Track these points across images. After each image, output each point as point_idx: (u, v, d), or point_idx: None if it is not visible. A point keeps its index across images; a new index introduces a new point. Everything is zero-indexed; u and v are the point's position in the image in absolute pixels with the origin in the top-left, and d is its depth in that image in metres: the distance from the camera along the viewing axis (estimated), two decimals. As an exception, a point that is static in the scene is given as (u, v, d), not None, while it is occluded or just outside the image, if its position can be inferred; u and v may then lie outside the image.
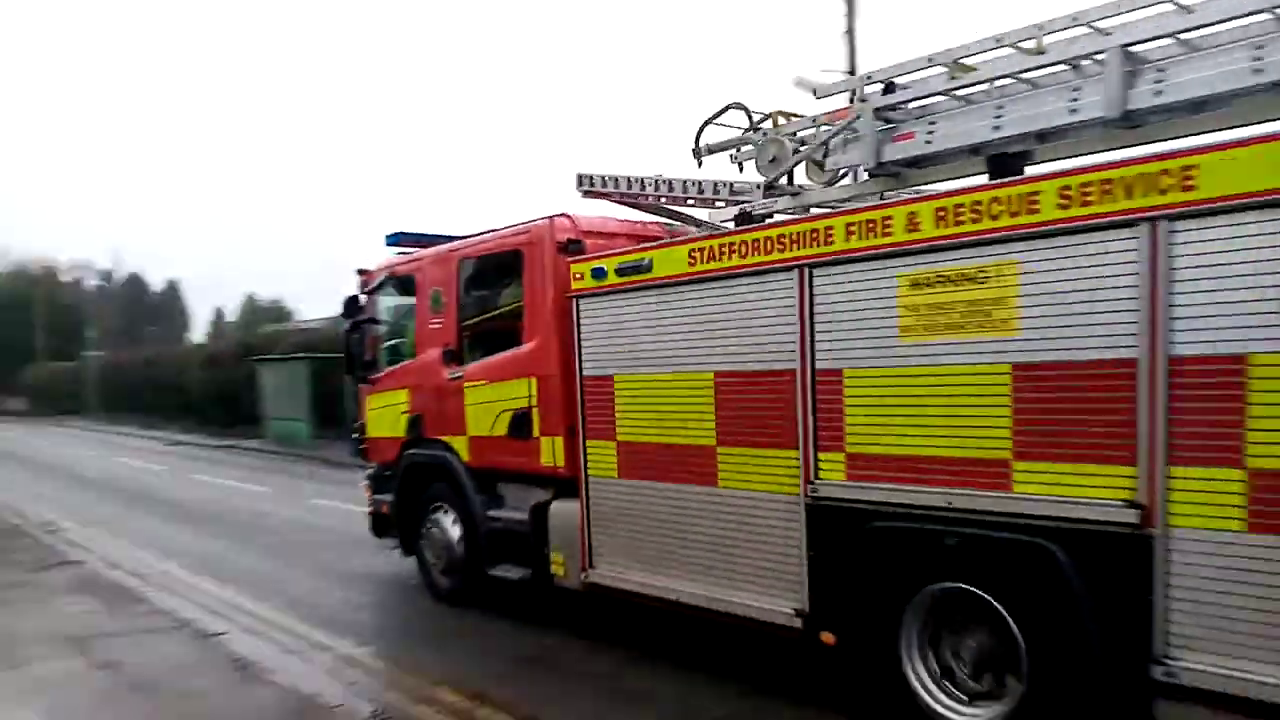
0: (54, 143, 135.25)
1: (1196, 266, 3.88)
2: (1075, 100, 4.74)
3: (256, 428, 28.80)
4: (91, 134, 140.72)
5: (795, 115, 6.26)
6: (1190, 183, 3.86)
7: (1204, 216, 3.85)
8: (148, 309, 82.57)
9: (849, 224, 5.08)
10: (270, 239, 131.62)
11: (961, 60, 5.19)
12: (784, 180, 6.15)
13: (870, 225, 4.96)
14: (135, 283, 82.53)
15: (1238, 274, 3.78)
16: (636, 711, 5.88)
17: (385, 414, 9.18)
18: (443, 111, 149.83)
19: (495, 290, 8.02)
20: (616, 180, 6.62)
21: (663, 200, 6.93)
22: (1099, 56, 4.62)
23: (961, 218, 4.58)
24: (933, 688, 4.98)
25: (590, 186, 6.54)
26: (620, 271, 6.39)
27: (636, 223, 7.61)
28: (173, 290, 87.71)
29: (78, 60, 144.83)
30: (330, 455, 23.05)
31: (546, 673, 6.68)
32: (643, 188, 6.67)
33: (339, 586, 9.56)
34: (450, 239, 8.70)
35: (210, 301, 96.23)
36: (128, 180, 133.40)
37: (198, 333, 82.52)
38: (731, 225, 6.23)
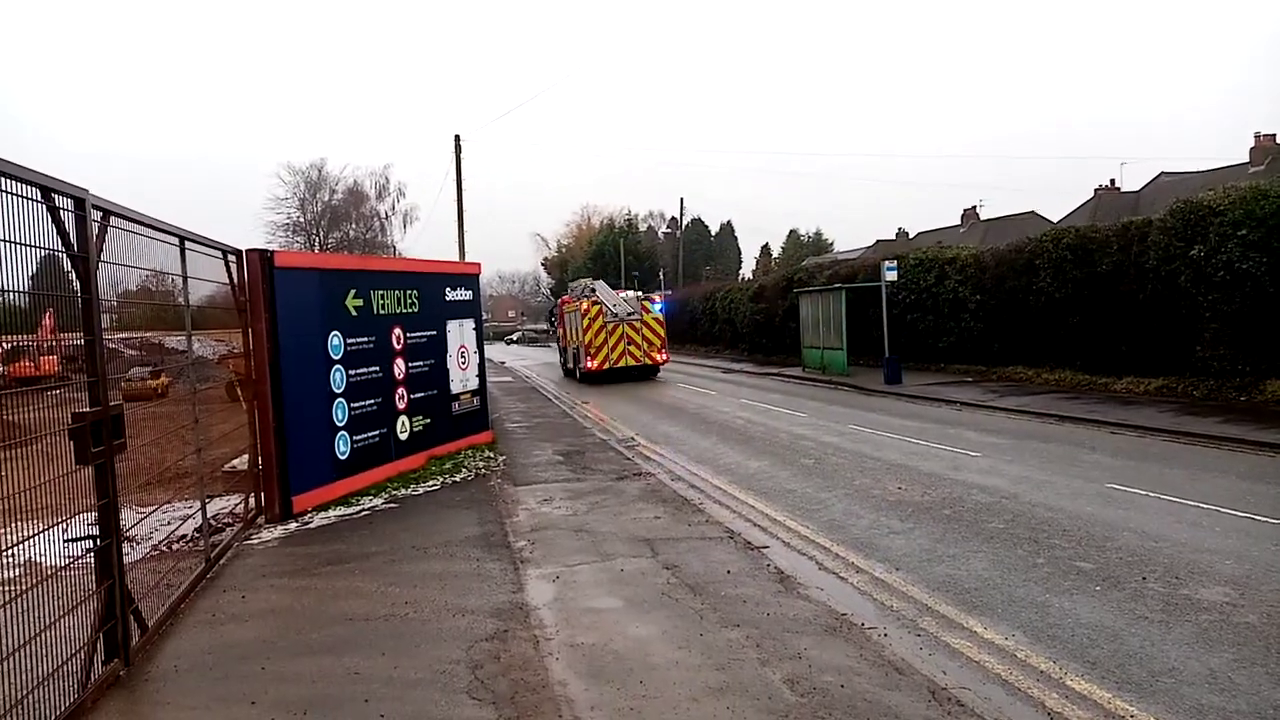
0: (635, 110, 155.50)
1: None
2: None
3: (797, 356, 30.35)
4: (667, 101, 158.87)
5: None
6: None
7: None
8: (707, 249, 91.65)
9: None
10: (806, 175, 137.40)
11: None
12: None
13: None
14: (697, 226, 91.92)
15: None
16: None
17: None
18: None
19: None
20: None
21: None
22: None
23: None
24: None
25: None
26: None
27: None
28: (728, 231, 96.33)
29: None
30: (864, 383, 23.46)
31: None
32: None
33: (870, 510, 9.67)
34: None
35: (760, 238, 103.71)
36: (688, 133, 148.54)
37: (748, 268, 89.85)
38: None
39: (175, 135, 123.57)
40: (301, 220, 63.66)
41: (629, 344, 29.71)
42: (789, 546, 8.54)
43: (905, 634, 6.17)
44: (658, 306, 30.95)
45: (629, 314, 29.91)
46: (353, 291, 11.52)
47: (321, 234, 63.32)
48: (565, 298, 36.54)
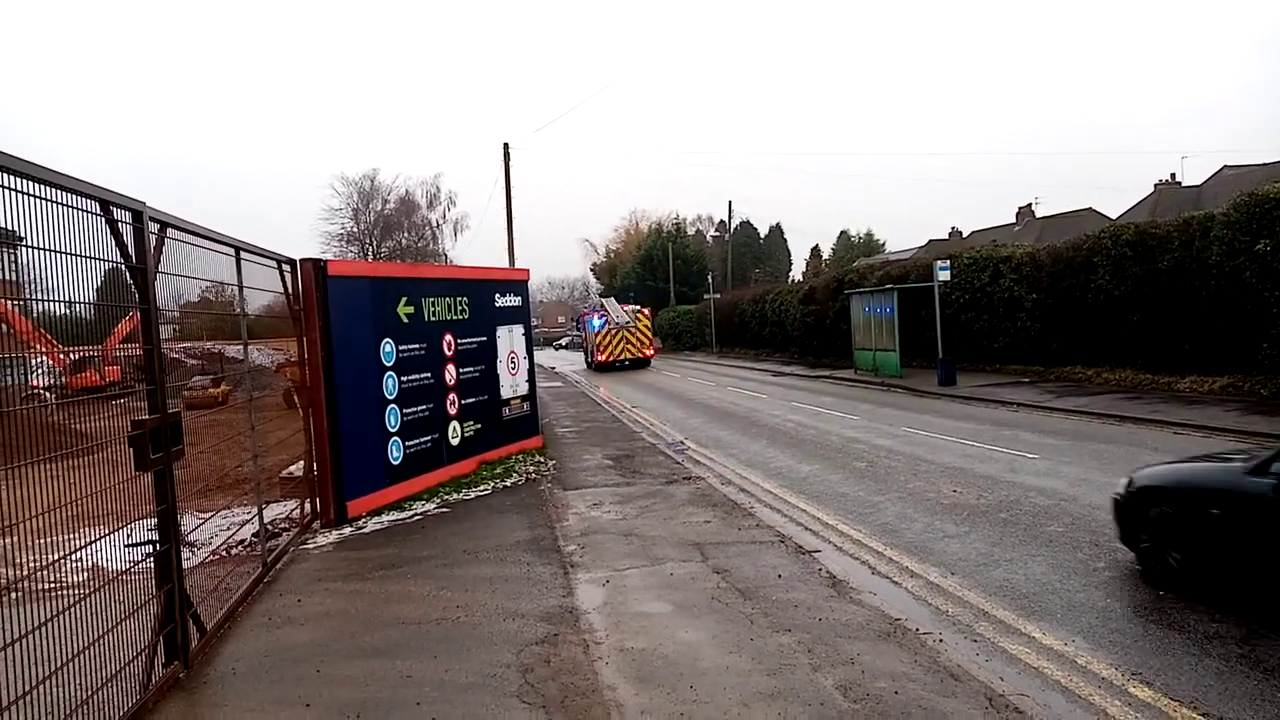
0: (680, 116, 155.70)
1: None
2: None
3: (848, 359, 30.07)
4: (716, 108, 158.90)
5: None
6: None
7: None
8: (756, 252, 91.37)
9: None
10: (855, 175, 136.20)
11: None
12: None
13: None
14: (746, 229, 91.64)
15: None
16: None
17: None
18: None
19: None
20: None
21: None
22: None
23: None
24: None
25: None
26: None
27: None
28: (777, 233, 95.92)
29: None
30: (917, 384, 23.14)
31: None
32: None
33: (924, 514, 9.51)
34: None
35: (810, 240, 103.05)
36: (736, 136, 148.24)
37: (797, 270, 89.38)
38: None
39: (233, 148, 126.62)
40: (355, 230, 64.82)
41: (626, 343, 42.46)
42: (841, 550, 8.44)
43: (961, 639, 6.05)
44: (646, 316, 44.38)
45: (627, 322, 42.73)
46: (404, 299, 11.67)
47: (375, 243, 64.37)
48: (585, 310, 56.61)
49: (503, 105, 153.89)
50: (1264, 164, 39.02)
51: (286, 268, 10.05)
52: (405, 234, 66.61)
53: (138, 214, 5.72)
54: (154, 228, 6.06)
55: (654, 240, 75.35)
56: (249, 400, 8.49)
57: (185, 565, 8.55)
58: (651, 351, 43.83)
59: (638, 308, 44.79)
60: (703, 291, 59.79)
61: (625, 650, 5.88)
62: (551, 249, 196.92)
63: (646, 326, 43.43)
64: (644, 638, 6.11)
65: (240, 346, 9.27)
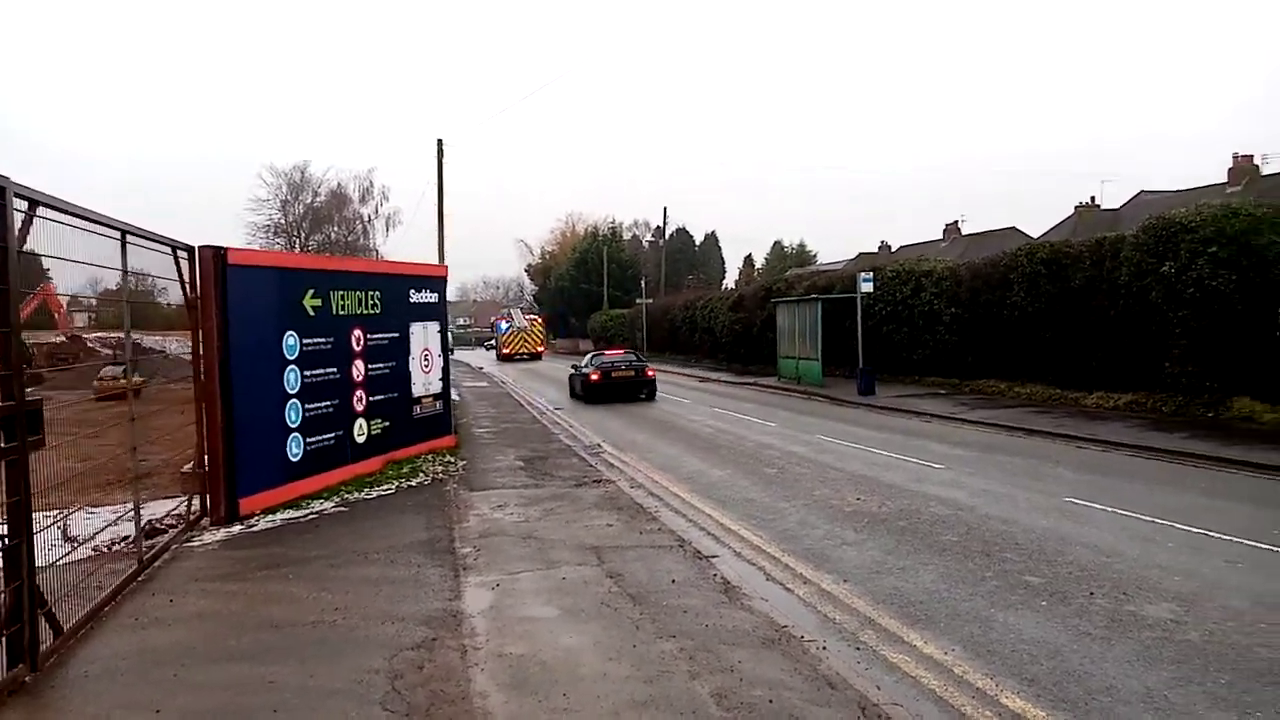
0: (629, 123, 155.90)
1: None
2: None
3: (774, 366, 30.29)
4: (661, 111, 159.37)
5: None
6: None
7: None
8: (691, 259, 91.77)
9: None
10: (791, 186, 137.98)
11: None
12: None
13: None
14: (682, 235, 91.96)
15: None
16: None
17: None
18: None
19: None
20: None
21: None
22: None
23: None
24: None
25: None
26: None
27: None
28: (712, 241, 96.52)
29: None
30: (837, 393, 23.40)
31: (1039, 640, 5.88)
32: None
33: (826, 521, 9.55)
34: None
35: (745, 249, 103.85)
36: (675, 142, 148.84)
37: (731, 278, 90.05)
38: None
39: (155, 136, 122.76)
40: (283, 222, 63.20)
41: (523, 343, 58.91)
42: (739, 556, 8.40)
43: (845, 647, 6.03)
44: (540, 322, 63.55)
45: (525, 327, 60.30)
46: (311, 291, 11.31)
47: (303, 236, 62.87)
48: (496, 316, 75.03)
49: (440, 102, 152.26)
50: (1179, 190, 40.39)
51: (183, 254, 9.66)
52: (335, 228, 65.12)
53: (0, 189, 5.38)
54: (21, 205, 5.73)
55: (589, 243, 75.13)
56: (131, 390, 8.07)
57: (64, 560, 8.23)
58: (542, 349, 59.87)
59: (535, 317, 63.54)
60: (636, 296, 59.75)
61: (503, 656, 5.71)
62: (488, 249, 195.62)
63: (540, 331, 61.35)
64: (525, 643, 5.95)
65: (159, 337, 8.94)
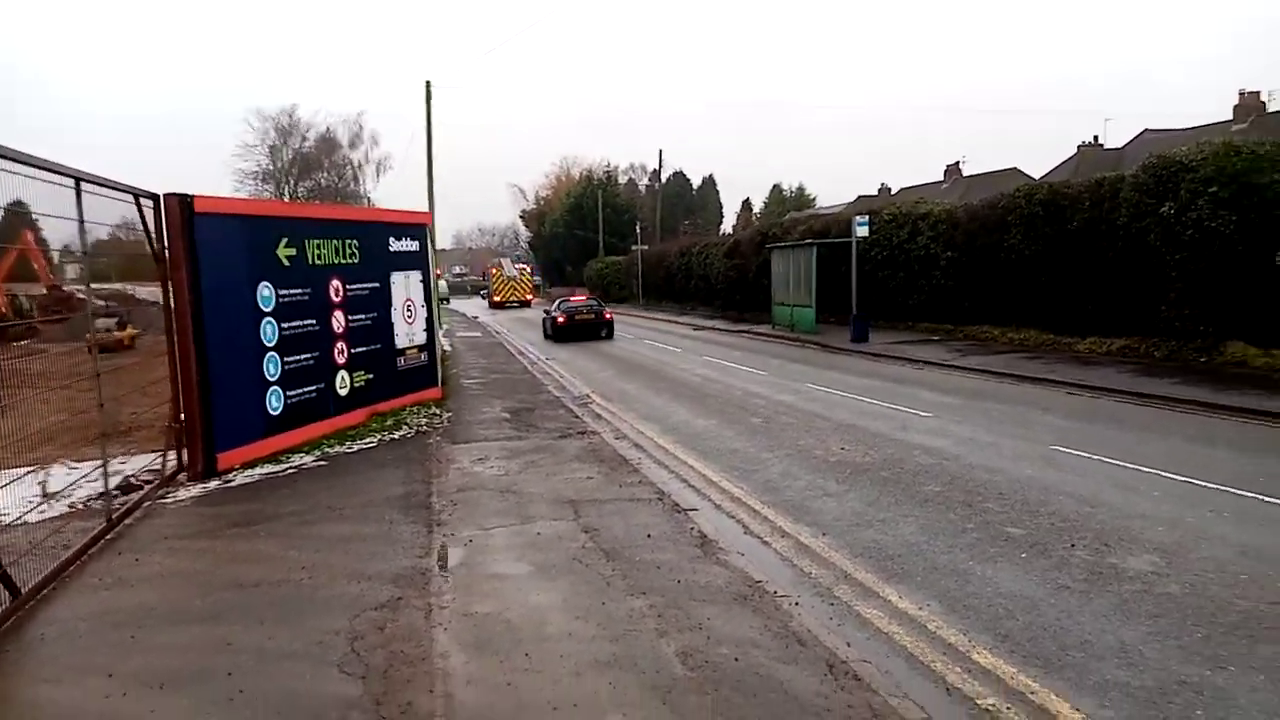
0: (625, 67, 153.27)
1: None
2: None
3: (769, 314, 30.06)
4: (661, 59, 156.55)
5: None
6: None
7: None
8: (689, 203, 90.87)
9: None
10: (791, 128, 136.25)
11: None
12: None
13: None
14: (679, 180, 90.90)
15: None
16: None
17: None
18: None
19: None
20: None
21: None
22: None
23: None
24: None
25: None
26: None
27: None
28: (709, 185, 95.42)
29: None
30: (830, 340, 23.22)
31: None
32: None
33: (809, 472, 9.43)
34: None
35: (743, 193, 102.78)
36: (672, 83, 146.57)
37: (729, 224, 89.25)
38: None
39: (138, 79, 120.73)
40: (272, 168, 62.47)
41: (513, 291, 60.68)
42: (719, 509, 8.29)
43: (818, 602, 5.93)
44: (529, 271, 65.31)
45: (515, 276, 61.82)
46: (284, 240, 11.05)
47: (292, 182, 62.24)
48: (487, 265, 76.39)
49: (429, 42, 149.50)
50: (1185, 128, 39.71)
51: (148, 203, 9.39)
52: (325, 174, 64.51)
53: (-77, 136, 5.13)
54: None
55: (584, 188, 74.21)
56: (93, 344, 7.87)
57: (36, 518, 8.13)
58: (531, 297, 60.85)
59: (525, 266, 66.02)
60: (632, 243, 59.23)
61: (469, 615, 5.60)
62: (483, 194, 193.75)
63: (528, 280, 63.03)
64: (492, 601, 5.84)
65: (153, 289, 8.77)
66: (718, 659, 4.88)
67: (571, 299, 33.09)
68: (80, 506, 8.76)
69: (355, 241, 12.50)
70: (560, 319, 29.49)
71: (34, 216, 7.86)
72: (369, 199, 62.32)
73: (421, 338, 14.49)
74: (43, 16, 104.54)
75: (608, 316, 30.12)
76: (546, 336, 30.39)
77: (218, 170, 70.46)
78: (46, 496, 9.12)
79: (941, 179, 57.15)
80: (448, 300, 69.67)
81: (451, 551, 6.92)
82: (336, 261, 12.08)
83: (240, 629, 5.40)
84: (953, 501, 8.02)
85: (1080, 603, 5.63)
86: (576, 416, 13.36)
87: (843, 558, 6.77)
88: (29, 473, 8.71)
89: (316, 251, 11.66)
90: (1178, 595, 5.65)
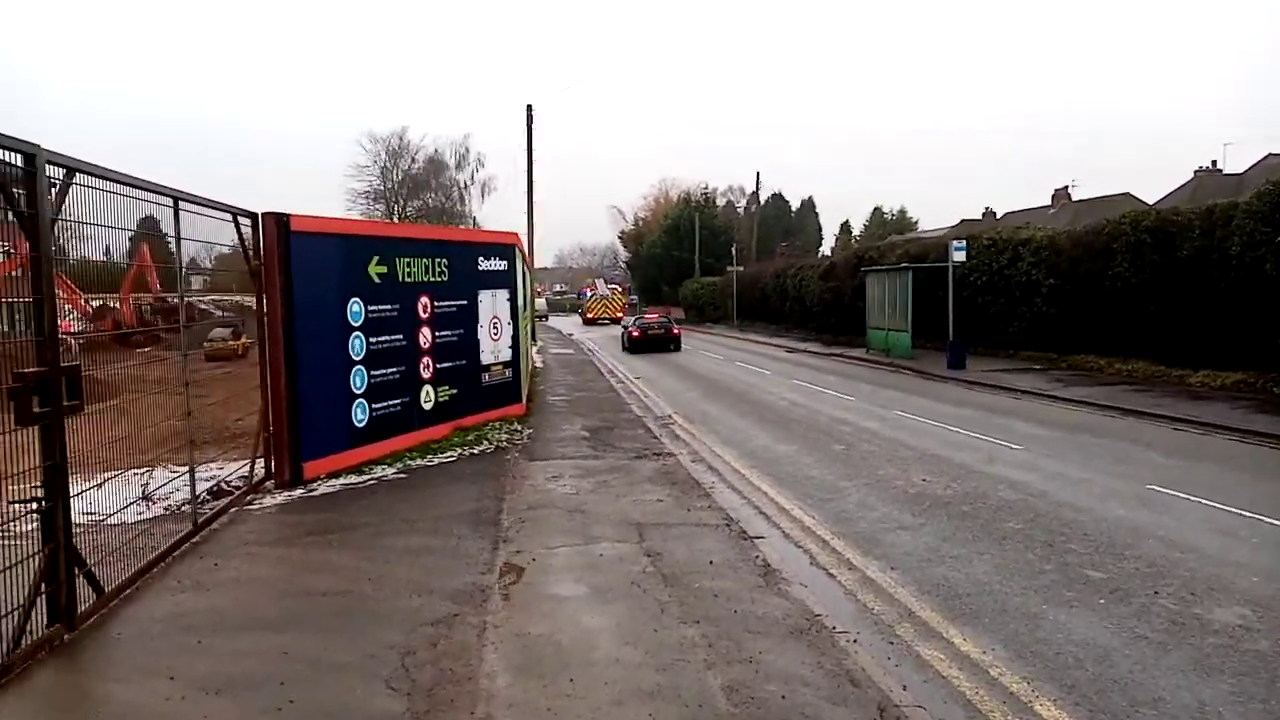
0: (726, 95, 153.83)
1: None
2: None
3: (864, 337, 29.52)
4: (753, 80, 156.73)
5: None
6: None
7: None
8: (788, 225, 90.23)
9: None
10: (896, 151, 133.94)
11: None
12: None
13: None
14: (778, 201, 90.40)
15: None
16: None
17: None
18: None
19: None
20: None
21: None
22: None
23: None
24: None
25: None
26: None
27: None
28: (809, 207, 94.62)
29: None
30: (926, 366, 22.64)
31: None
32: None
33: (885, 503, 9.18)
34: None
35: (844, 216, 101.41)
36: (773, 106, 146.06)
37: (828, 246, 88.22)
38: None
39: (261, 104, 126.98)
40: (383, 188, 64.62)
41: (604, 309, 65.85)
42: (787, 538, 8.14)
43: (878, 640, 5.75)
44: (621, 290, 72.05)
45: (607, 295, 68.53)
46: (376, 258, 11.39)
47: (401, 202, 64.21)
48: (584, 285, 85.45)
49: (533, 65, 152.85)
50: (1312, 153, 37.53)
51: (245, 221, 9.83)
52: (433, 194, 66.29)
53: (30, 157, 5.48)
54: (58, 173, 5.85)
55: (681, 210, 74.35)
56: (183, 356, 8.23)
57: (140, 518, 8.56)
58: (620, 315, 59.36)
59: (617, 287, 73.89)
60: (727, 263, 59.01)
61: (521, 635, 5.62)
62: (585, 215, 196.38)
63: (620, 299, 68.36)
64: (546, 622, 5.85)
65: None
66: (764, 695, 4.76)
67: (646, 316, 38.62)
68: (176, 510, 9.16)
69: (445, 260, 12.80)
70: (635, 333, 33.90)
71: (152, 233, 8.31)
72: (474, 219, 63.85)
73: (507, 354, 14.72)
74: (199, 61, 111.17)
75: (675, 332, 34.17)
76: (624, 348, 34.28)
77: (334, 191, 73.42)
78: (145, 498, 9.60)
79: (1049, 204, 55.25)
80: (546, 317, 71.58)
81: (513, 570, 6.96)
82: (426, 279, 12.39)
83: (301, 638, 5.55)
84: (1033, 540, 7.68)
85: (1157, 655, 5.30)
86: (655, 437, 13.34)
87: (909, 594, 6.55)
88: (135, 474, 9.23)
89: (407, 269, 11.98)
90: (1267, 653, 5.27)
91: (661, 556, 7.28)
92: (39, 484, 5.58)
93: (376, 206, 63.33)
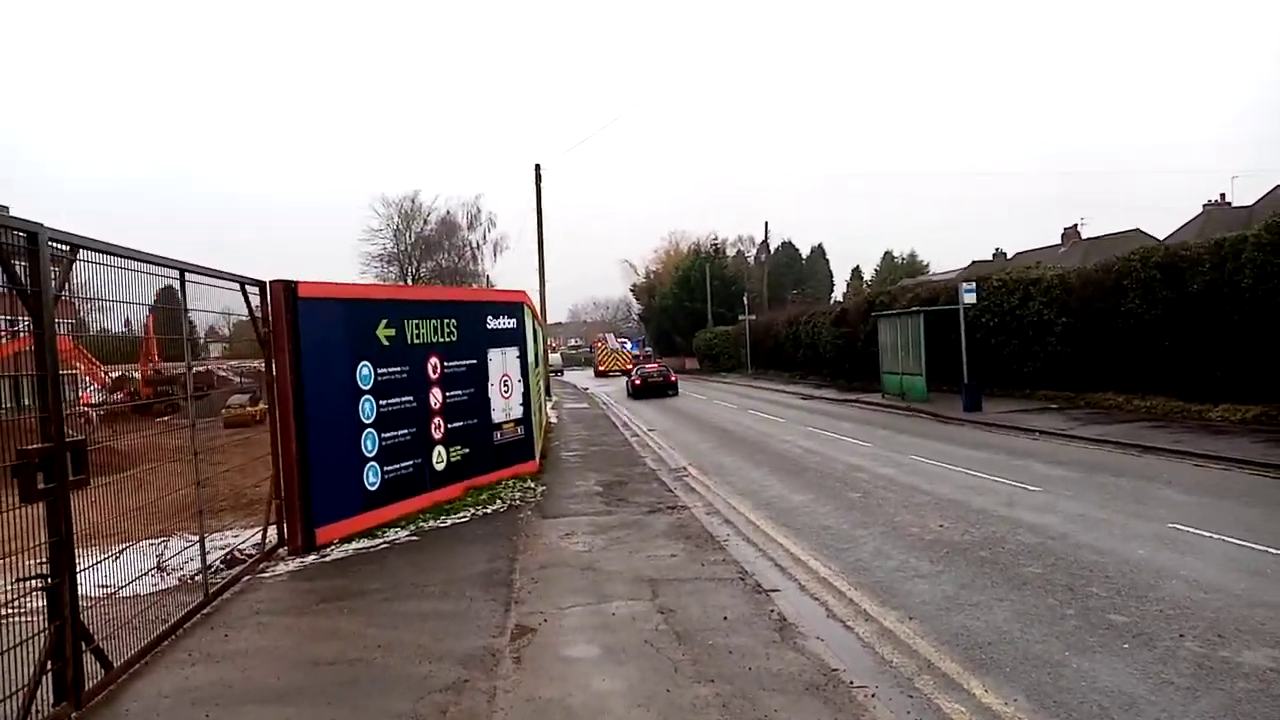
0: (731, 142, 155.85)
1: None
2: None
3: (878, 382, 29.38)
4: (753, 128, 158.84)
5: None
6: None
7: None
8: (798, 273, 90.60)
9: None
10: (903, 195, 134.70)
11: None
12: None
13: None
14: (788, 249, 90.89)
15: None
16: None
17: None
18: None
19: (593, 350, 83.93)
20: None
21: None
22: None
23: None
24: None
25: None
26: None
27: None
28: (819, 254, 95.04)
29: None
30: (941, 409, 22.47)
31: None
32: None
33: (902, 550, 9.03)
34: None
35: (854, 262, 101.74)
36: (779, 155, 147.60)
37: (839, 292, 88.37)
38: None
39: (272, 173, 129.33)
40: (395, 251, 65.37)
41: (614, 362, 71.12)
42: (803, 590, 8.01)
43: (896, 694, 5.61)
44: (628, 345, 77.69)
45: (617, 348, 74.91)
46: (384, 321, 11.48)
47: (415, 264, 64.88)
48: (594, 340, 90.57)
49: (541, 124, 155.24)
50: (1319, 183, 37.45)
51: (253, 289, 9.93)
52: (445, 254, 67.01)
53: (32, 235, 5.58)
54: (62, 249, 5.95)
55: (692, 261, 74.93)
56: (191, 424, 8.26)
57: (154, 589, 8.53)
58: (629, 366, 60.51)
59: (625, 340, 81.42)
60: (739, 312, 59.17)
61: (532, 700, 5.52)
62: (597, 268, 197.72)
63: (627, 353, 73.21)
64: (557, 686, 5.75)
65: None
66: (779, 755, 4.65)
67: (646, 366, 44.58)
68: (189, 580, 9.12)
69: (453, 320, 12.88)
70: (637, 381, 39.27)
71: (166, 305, 8.41)
72: (488, 278, 64.38)
73: (518, 412, 14.72)
74: (209, 128, 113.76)
75: (672, 379, 39.44)
76: (628, 395, 39.09)
77: (347, 255, 74.47)
78: (159, 568, 9.58)
79: (1059, 242, 55.29)
80: (561, 372, 72.30)
81: (525, 632, 6.87)
82: (435, 340, 12.45)
83: (305, 710, 5.47)
84: (1053, 584, 7.52)
85: (1185, 701, 5.15)
86: (669, 490, 13.24)
87: (928, 645, 6.41)
88: (151, 544, 9.23)
89: (415, 331, 12.06)
90: (1300, 697, 5.11)
91: (675, 613, 7.17)
92: (45, 560, 5.58)
93: (390, 269, 64.06)
